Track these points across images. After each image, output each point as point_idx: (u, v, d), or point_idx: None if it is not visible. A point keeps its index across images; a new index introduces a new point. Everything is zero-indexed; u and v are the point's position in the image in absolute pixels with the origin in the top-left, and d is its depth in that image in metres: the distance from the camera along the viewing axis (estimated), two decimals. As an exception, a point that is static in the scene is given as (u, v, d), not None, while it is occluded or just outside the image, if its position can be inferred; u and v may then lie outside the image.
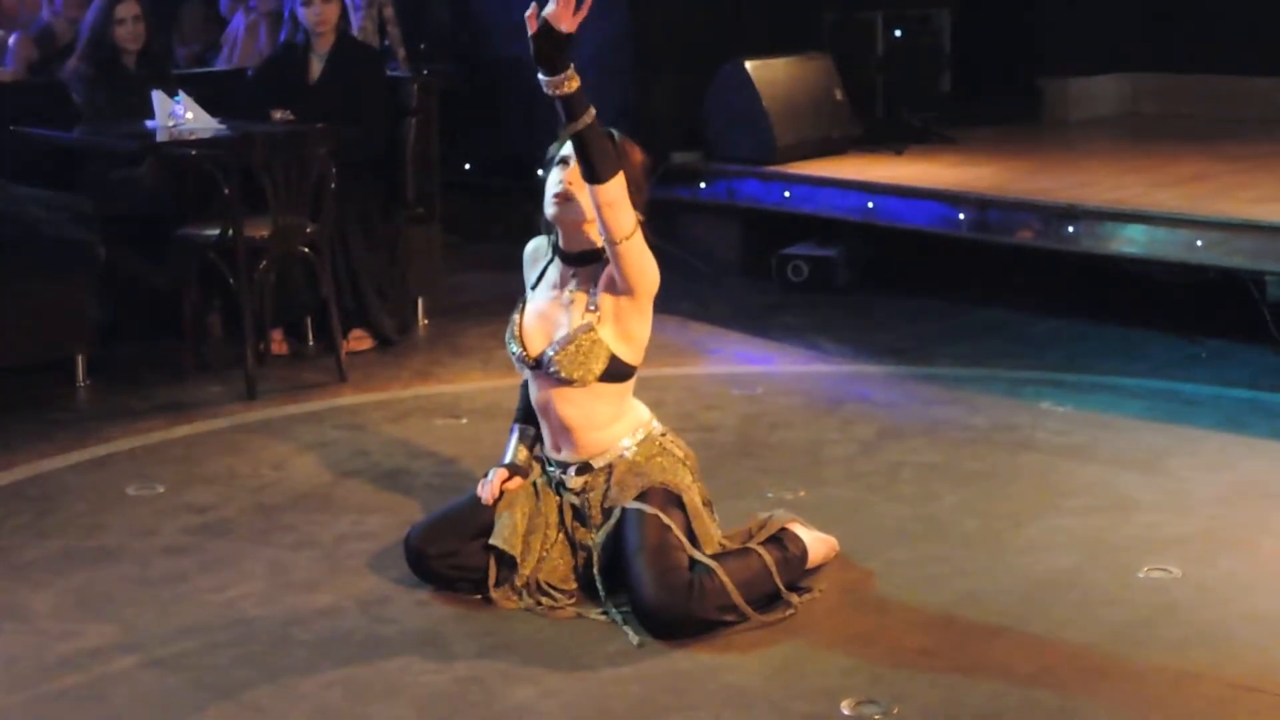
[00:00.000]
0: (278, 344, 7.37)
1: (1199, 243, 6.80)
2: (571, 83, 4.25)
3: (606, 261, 4.47)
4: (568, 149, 4.48)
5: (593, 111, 4.28)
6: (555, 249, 4.63)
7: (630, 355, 4.53)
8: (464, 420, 6.34)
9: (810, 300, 8.11)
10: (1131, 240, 7.05)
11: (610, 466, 4.56)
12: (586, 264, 4.55)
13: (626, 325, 4.50)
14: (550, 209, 4.53)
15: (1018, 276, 8.07)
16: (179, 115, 7.15)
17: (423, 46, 10.14)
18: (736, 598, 4.32)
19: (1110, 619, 4.39)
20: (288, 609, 4.58)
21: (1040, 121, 10.12)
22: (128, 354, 7.28)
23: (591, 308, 4.49)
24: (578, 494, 4.60)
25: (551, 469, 4.67)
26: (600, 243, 4.46)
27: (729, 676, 4.09)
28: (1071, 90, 10.22)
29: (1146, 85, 10.40)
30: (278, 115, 7.24)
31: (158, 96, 7.20)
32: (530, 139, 9.98)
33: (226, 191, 6.71)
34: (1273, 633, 4.30)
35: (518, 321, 4.62)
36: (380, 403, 6.64)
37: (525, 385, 4.75)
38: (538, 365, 4.54)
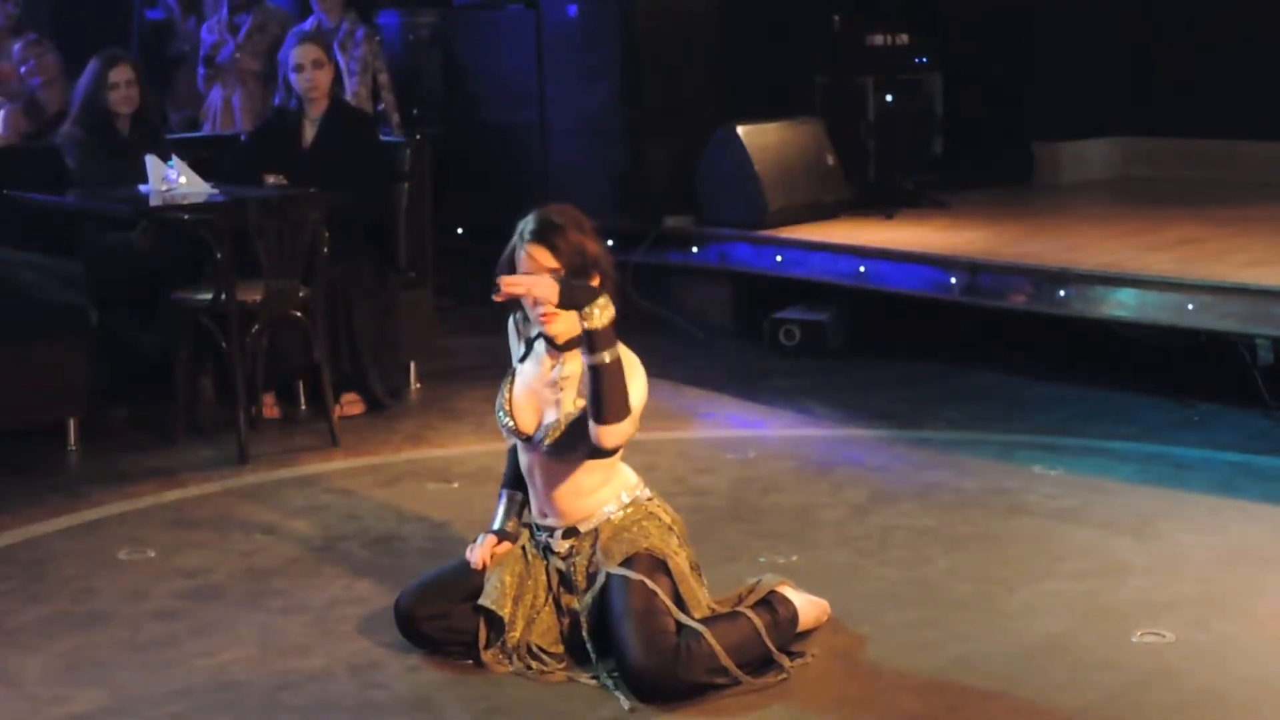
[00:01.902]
0: (269, 408, 7.37)
1: (1190, 306, 6.82)
2: (593, 318, 4.31)
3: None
4: (520, 250, 4.51)
5: (619, 348, 4.35)
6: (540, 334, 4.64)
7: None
8: (455, 485, 6.33)
9: (802, 364, 8.12)
10: (1123, 304, 7.07)
11: (596, 531, 4.56)
12: (576, 346, 4.50)
13: None
14: (539, 328, 4.56)
15: (1009, 340, 8.08)
16: (172, 180, 7.17)
17: (415, 111, 10.19)
18: (725, 660, 4.31)
19: (1103, 683, 4.39)
20: (278, 674, 4.57)
21: (1032, 185, 10.15)
22: (119, 417, 7.28)
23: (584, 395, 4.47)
24: (564, 558, 4.59)
25: (539, 534, 4.66)
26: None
27: (721, 741, 4.09)
28: (1063, 154, 10.25)
29: (1137, 149, 10.44)
30: (270, 180, 7.27)
31: (151, 161, 7.21)
32: (521, 203, 10.04)
33: (219, 256, 6.73)
34: (1267, 697, 4.30)
35: (507, 395, 4.61)
36: (372, 467, 6.64)
37: (513, 450, 4.77)
38: (528, 440, 4.57)
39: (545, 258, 4.43)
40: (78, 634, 4.89)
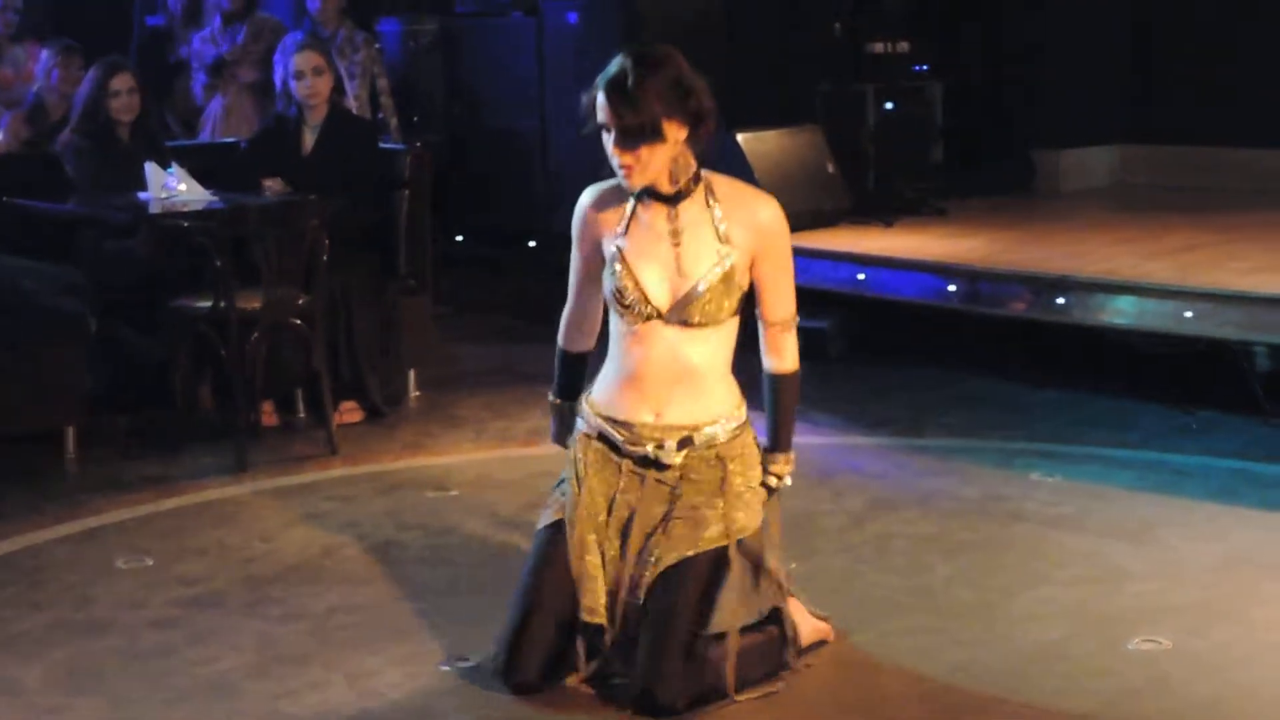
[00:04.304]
0: (269, 415, 7.37)
1: (1188, 314, 6.82)
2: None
3: (708, 193, 4.34)
4: (601, 102, 4.21)
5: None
6: (647, 192, 4.34)
7: (748, 283, 4.39)
8: (455, 493, 6.33)
9: (802, 371, 8.09)
10: (1122, 311, 7.07)
11: (720, 460, 4.36)
12: (686, 198, 4.32)
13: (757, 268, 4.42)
14: (626, 185, 4.31)
15: (1009, 348, 8.08)
16: (172, 187, 7.18)
17: (415, 119, 10.20)
18: (730, 677, 4.26)
19: (1101, 690, 4.39)
20: (276, 682, 4.56)
21: (1032, 192, 10.15)
22: (119, 425, 7.27)
23: (725, 239, 4.31)
24: (671, 484, 4.35)
25: (629, 445, 4.36)
26: (689, 175, 4.32)
27: (719, 749, 4.09)
28: (1063, 161, 10.26)
29: (1137, 156, 10.44)
30: (269, 184, 7.27)
31: (151, 168, 7.23)
32: (521, 211, 10.07)
33: (218, 263, 6.73)
34: (1265, 705, 4.31)
35: (621, 269, 4.31)
36: (371, 475, 6.63)
37: (568, 361, 4.59)
38: (663, 314, 4.29)
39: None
40: (76, 642, 4.88)
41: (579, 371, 4.68)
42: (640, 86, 4.17)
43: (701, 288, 4.27)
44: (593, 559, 4.34)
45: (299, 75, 7.52)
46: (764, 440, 4.55)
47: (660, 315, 4.29)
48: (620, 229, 4.34)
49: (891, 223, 8.86)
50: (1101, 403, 7.43)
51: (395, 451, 6.99)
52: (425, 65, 10.63)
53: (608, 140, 4.25)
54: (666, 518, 4.34)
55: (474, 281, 9.89)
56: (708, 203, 4.34)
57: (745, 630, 4.36)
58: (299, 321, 6.90)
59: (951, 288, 7.62)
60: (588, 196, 4.45)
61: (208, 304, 6.83)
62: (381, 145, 8.09)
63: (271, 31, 9.51)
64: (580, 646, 4.35)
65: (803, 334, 8.19)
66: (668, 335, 4.30)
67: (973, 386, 7.83)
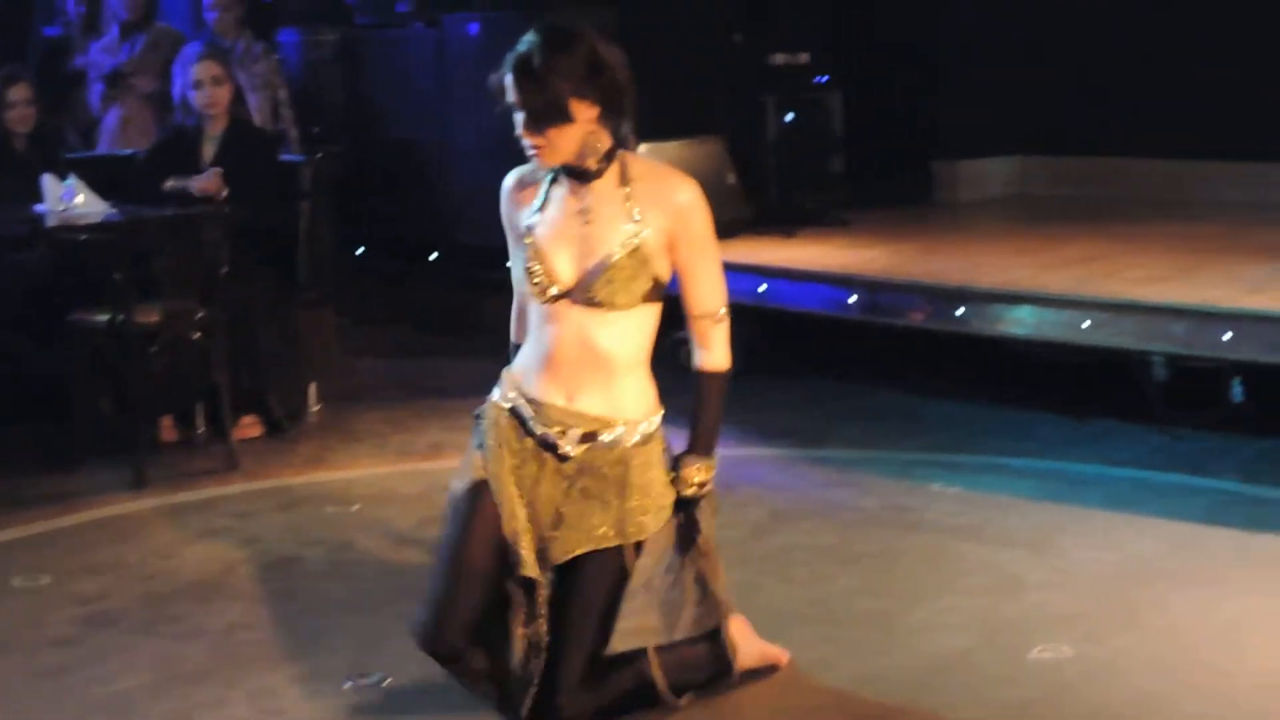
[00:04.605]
0: (168, 430, 7.32)
1: (1086, 323, 6.87)
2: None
3: (621, 172, 4.21)
4: (509, 83, 4.16)
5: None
6: (560, 169, 4.24)
7: (666, 271, 4.22)
8: (356, 507, 6.30)
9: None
10: (1020, 322, 7.11)
11: (619, 456, 4.21)
12: (600, 175, 4.20)
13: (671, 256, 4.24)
14: (538, 164, 4.23)
15: (909, 359, 8.13)
16: (69, 198, 7.11)
17: (316, 129, 10.13)
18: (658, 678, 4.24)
19: (1001, 699, 4.43)
20: (177, 700, 4.53)
21: (932, 203, 10.21)
22: (14, 440, 7.18)
23: (635, 218, 4.16)
24: (569, 475, 4.21)
25: (536, 424, 4.22)
26: (601, 154, 4.18)
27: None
28: (962, 172, 10.33)
29: (1035, 167, 10.52)
30: (170, 185, 7.21)
31: (47, 180, 7.16)
32: (424, 222, 10.04)
33: (117, 276, 6.67)
34: (1161, 711, 4.36)
35: (532, 252, 4.20)
36: (271, 490, 6.60)
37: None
38: (570, 293, 4.16)
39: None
40: (-28, 662, 4.85)
41: None
42: (547, 66, 4.11)
43: (607, 263, 4.13)
44: (523, 513, 4.20)
45: (198, 85, 7.47)
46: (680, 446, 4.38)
47: (567, 294, 4.17)
48: (535, 208, 4.27)
49: (793, 234, 8.89)
50: (1000, 413, 7.49)
51: (296, 466, 6.95)
52: (326, 76, 10.59)
53: (518, 121, 4.19)
54: (562, 504, 4.22)
55: (376, 294, 9.85)
56: (622, 182, 4.22)
57: (672, 646, 4.32)
58: (199, 335, 6.85)
59: (852, 299, 7.66)
60: (509, 180, 4.39)
61: (106, 317, 6.77)
62: (282, 157, 8.05)
63: (171, 42, 9.42)
64: (518, 608, 4.20)
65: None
66: (576, 316, 4.18)
67: (873, 398, 7.88)
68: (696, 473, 4.28)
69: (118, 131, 9.35)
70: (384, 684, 4.55)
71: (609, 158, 4.20)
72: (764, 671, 4.58)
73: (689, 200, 4.20)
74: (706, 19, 9.79)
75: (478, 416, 4.32)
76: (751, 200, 9.19)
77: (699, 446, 4.32)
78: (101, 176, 7.48)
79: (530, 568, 4.16)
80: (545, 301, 4.19)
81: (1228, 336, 6.49)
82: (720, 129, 9.40)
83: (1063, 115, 10.21)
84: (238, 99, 7.69)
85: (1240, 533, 5.77)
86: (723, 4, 9.83)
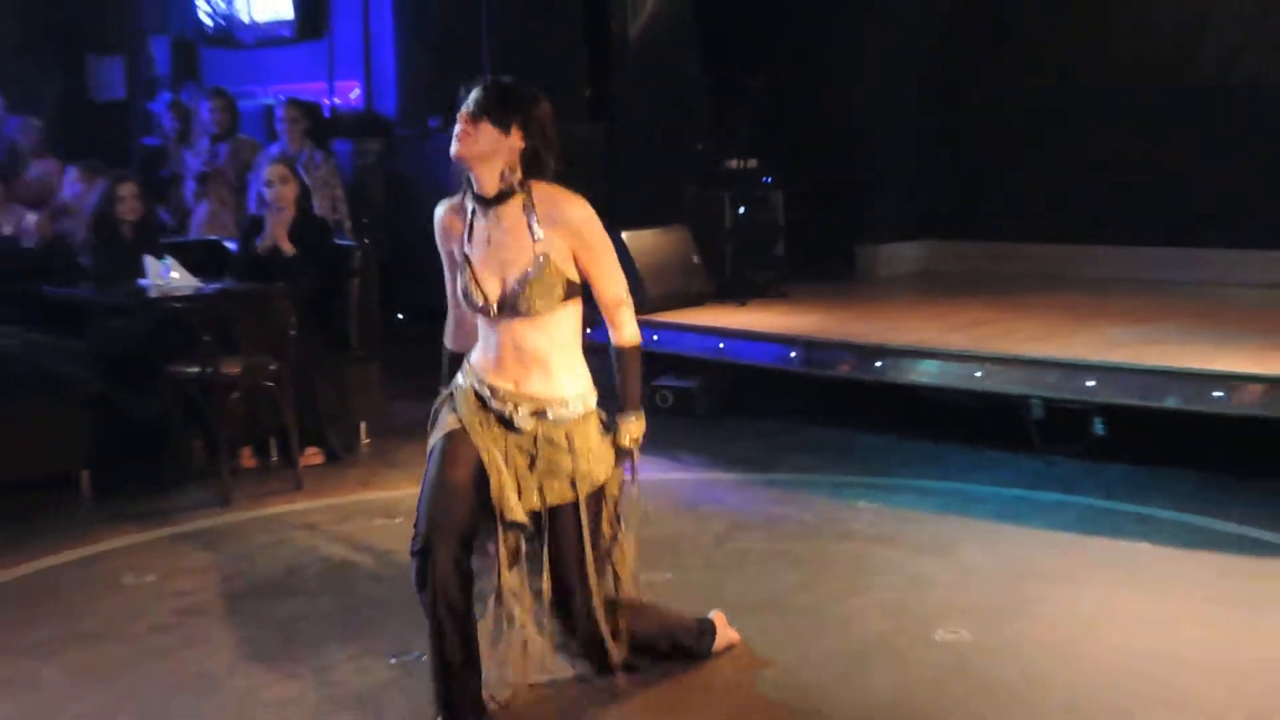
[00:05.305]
0: (247, 459, 7.33)
1: (979, 373, 6.89)
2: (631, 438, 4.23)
3: (526, 199, 4.05)
4: (475, 94, 4.04)
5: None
6: (475, 199, 4.09)
7: (576, 274, 4.10)
8: (398, 520, 6.31)
9: (675, 422, 8.15)
10: (927, 372, 7.11)
11: (569, 437, 4.11)
12: (506, 201, 4.05)
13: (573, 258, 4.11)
14: (454, 147, 4.05)
15: (841, 402, 8.14)
16: (166, 275, 7.14)
17: (365, 220, 10.18)
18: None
19: (914, 674, 4.45)
20: (254, 676, 4.55)
21: (856, 279, 10.23)
22: (122, 472, 7.15)
23: (537, 237, 4.02)
24: (527, 448, 4.09)
25: (499, 406, 4.09)
26: (511, 181, 4.03)
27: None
28: (882, 254, 10.36)
29: (942, 249, 10.54)
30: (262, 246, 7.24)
31: (149, 260, 7.19)
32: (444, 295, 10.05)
33: (205, 337, 6.71)
34: (1041, 681, 4.38)
35: (470, 275, 4.07)
36: (329, 507, 6.61)
37: (453, 359, 4.29)
38: (499, 309, 4.05)
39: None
40: (90, 645, 4.85)
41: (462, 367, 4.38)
42: (513, 90, 4.06)
43: (522, 283, 4.02)
44: (499, 457, 4.06)
45: (269, 184, 7.51)
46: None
47: (500, 307, 4.04)
48: (465, 236, 4.13)
49: (745, 303, 8.92)
50: (913, 445, 7.49)
51: (349, 488, 6.96)
52: (371, 177, 10.64)
53: (461, 109, 4.05)
54: (525, 476, 4.12)
55: (411, 350, 9.84)
56: (527, 206, 4.07)
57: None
58: (271, 384, 6.88)
59: (793, 354, 7.67)
60: (440, 209, 4.23)
61: (196, 370, 6.80)
62: (337, 242, 8.08)
63: (250, 150, 9.48)
64: (502, 549, 4.07)
65: (674, 392, 8.39)
66: (510, 324, 4.07)
67: (812, 433, 7.87)
68: (632, 427, 4.22)
69: (205, 222, 9.38)
70: (421, 658, 4.55)
71: (521, 187, 4.06)
72: (721, 652, 4.61)
73: (579, 215, 4.09)
74: (677, 132, 9.87)
75: (450, 395, 4.19)
76: (712, 276, 9.22)
77: (629, 406, 4.24)
78: (193, 258, 7.52)
79: (513, 510, 4.02)
80: (484, 315, 4.11)
81: (1091, 383, 6.54)
82: (687, 219, 9.43)
83: (963, 207, 10.28)
84: (305, 194, 7.72)
85: (1103, 539, 5.79)
86: (690, 120, 9.91)
